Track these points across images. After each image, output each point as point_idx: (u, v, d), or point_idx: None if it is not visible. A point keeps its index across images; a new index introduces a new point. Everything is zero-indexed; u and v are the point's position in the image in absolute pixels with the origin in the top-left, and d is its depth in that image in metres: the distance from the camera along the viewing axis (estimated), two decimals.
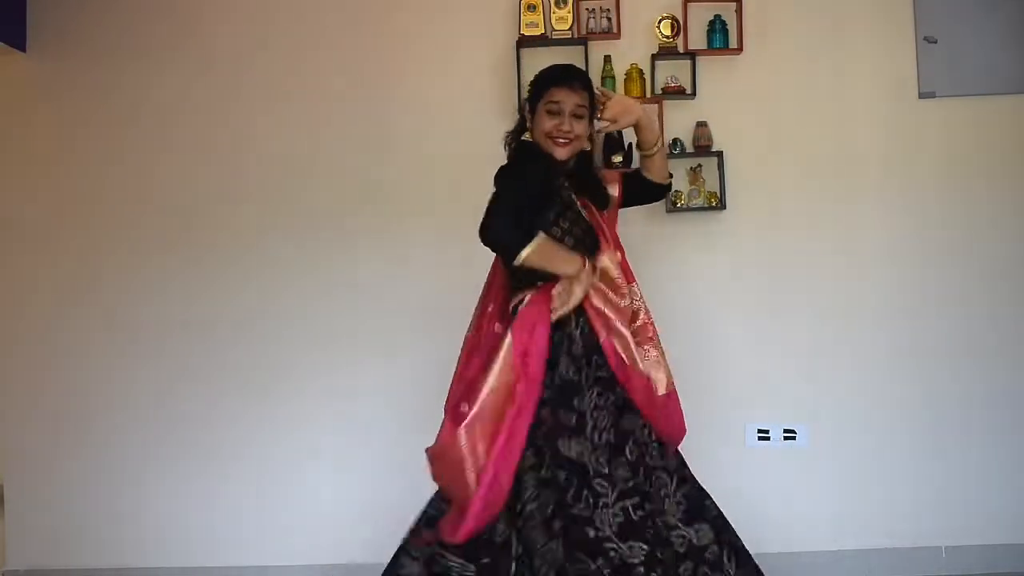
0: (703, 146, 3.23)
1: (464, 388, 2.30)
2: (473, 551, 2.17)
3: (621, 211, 2.55)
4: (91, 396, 3.37)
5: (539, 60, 2.95)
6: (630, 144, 3.08)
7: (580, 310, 2.26)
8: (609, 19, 3.27)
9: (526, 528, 2.16)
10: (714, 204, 3.24)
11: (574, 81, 2.33)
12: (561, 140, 2.30)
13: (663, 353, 2.41)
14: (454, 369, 2.45)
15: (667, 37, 3.24)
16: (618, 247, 2.44)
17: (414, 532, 2.31)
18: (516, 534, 2.17)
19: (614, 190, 2.51)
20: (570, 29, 3.25)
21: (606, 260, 2.32)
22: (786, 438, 3.26)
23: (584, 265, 2.23)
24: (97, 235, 3.38)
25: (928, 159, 3.27)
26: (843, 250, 3.27)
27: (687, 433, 2.42)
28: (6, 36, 3.31)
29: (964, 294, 3.25)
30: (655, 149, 2.49)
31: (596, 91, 2.41)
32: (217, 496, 3.34)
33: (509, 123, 2.52)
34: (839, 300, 3.26)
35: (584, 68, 3.07)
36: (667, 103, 3.24)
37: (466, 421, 2.17)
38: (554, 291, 2.24)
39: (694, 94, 3.27)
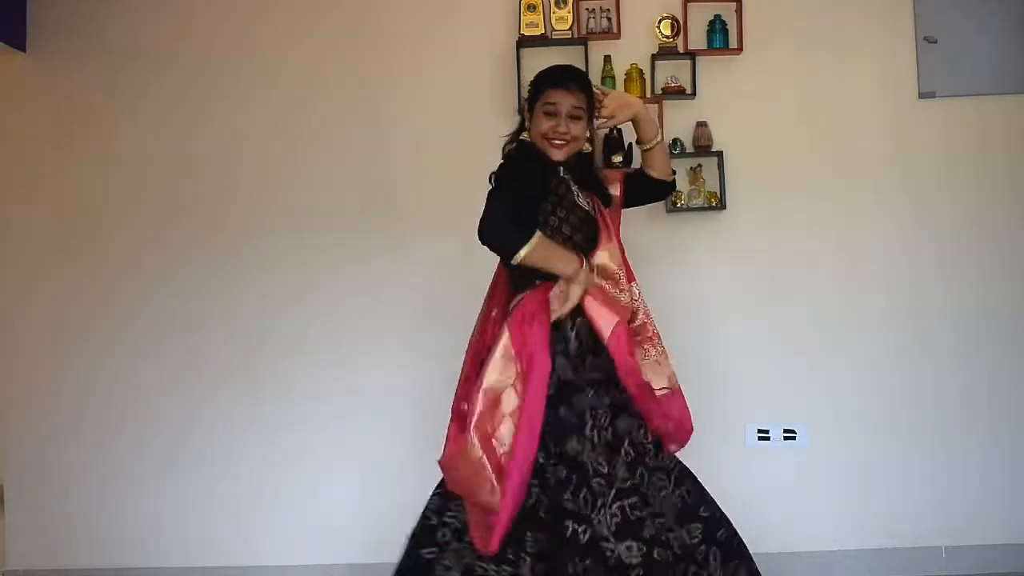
0: (703, 146, 3.23)
1: (466, 391, 2.29)
2: (503, 553, 2.15)
3: (622, 212, 2.55)
4: (91, 396, 3.37)
5: (539, 60, 2.95)
6: (630, 144, 3.08)
7: (577, 310, 2.25)
8: (609, 19, 3.27)
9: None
10: (714, 204, 3.24)
11: (571, 82, 2.32)
12: (558, 141, 2.30)
13: (664, 353, 2.41)
14: (458, 371, 2.43)
15: (667, 37, 3.24)
16: (620, 247, 2.43)
17: (442, 547, 2.26)
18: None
19: (615, 190, 2.50)
20: (570, 29, 3.25)
21: (604, 257, 2.32)
22: (786, 438, 3.26)
23: (582, 265, 2.22)
24: (96, 235, 3.38)
25: (928, 159, 3.27)
26: (843, 250, 3.27)
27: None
28: (6, 36, 3.31)
29: (964, 294, 3.25)
30: (655, 143, 2.49)
31: (594, 89, 2.41)
32: (217, 496, 3.34)
33: (509, 123, 2.52)
34: (839, 300, 3.26)
35: (584, 68, 3.08)
36: (667, 103, 3.24)
37: (473, 423, 2.16)
38: (552, 292, 2.24)
39: (694, 94, 3.27)
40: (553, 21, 3.25)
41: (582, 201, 2.34)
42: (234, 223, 3.35)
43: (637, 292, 2.40)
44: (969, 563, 3.17)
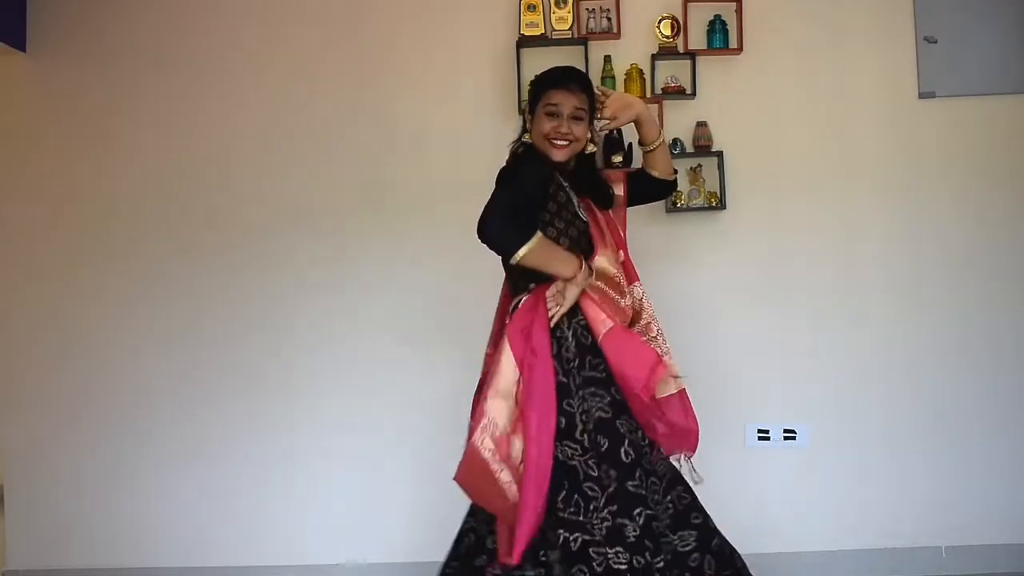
0: (703, 146, 3.23)
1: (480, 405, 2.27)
2: (532, 556, 2.15)
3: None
4: (92, 396, 3.37)
5: (539, 60, 2.95)
6: (630, 144, 3.08)
7: (574, 311, 2.25)
8: (609, 19, 3.27)
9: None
10: (714, 204, 3.24)
11: (572, 83, 2.32)
12: (559, 142, 2.30)
13: (668, 353, 2.39)
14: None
15: (667, 37, 3.24)
16: (622, 247, 2.43)
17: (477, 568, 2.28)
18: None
19: (619, 189, 2.51)
20: (570, 29, 3.25)
21: (603, 262, 2.31)
22: (786, 438, 3.26)
23: (581, 266, 2.22)
24: (97, 235, 3.38)
25: (928, 159, 3.27)
26: (843, 250, 3.27)
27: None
28: (6, 36, 3.31)
29: (964, 294, 3.25)
30: (657, 144, 2.49)
31: (596, 90, 2.41)
32: (217, 496, 3.33)
33: (509, 122, 2.52)
34: (839, 300, 3.26)
35: (584, 68, 3.08)
36: (667, 103, 3.24)
37: (480, 434, 2.16)
38: (548, 292, 2.24)
39: (694, 94, 3.27)
40: (553, 21, 3.25)
41: (582, 212, 2.34)
42: (234, 223, 3.35)
43: (640, 293, 2.40)
44: (969, 563, 3.17)
